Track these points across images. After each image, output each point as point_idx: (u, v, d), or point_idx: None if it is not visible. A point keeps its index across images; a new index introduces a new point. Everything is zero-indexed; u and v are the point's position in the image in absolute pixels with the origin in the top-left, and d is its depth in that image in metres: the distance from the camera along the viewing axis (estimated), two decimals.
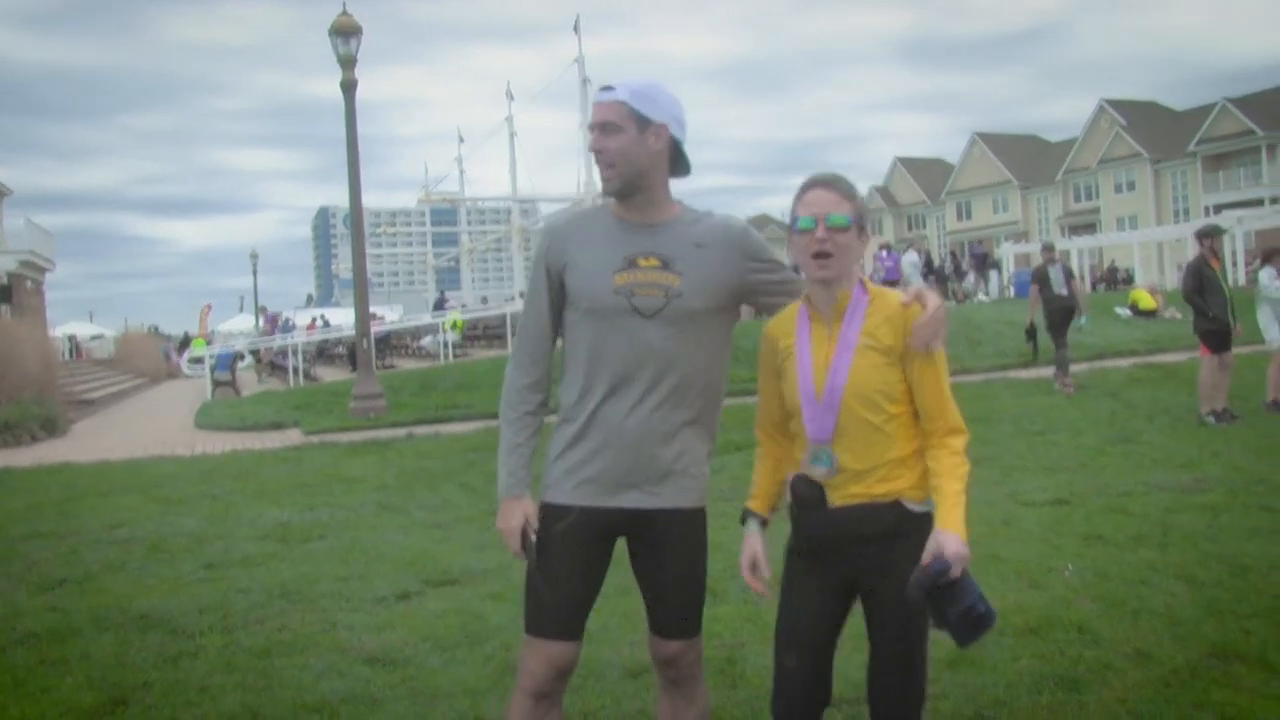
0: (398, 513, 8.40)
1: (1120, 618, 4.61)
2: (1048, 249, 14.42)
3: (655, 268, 2.65)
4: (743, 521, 2.75)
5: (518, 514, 2.70)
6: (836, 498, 2.55)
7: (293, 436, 14.32)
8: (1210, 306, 10.31)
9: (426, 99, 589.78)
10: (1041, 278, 13.75)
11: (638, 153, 2.63)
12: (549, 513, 2.72)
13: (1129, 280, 39.39)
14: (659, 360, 2.64)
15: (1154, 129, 58.98)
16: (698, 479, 2.74)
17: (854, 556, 2.56)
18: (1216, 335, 10.34)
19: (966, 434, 2.56)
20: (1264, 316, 10.55)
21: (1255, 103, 53.79)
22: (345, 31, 15.32)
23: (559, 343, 2.80)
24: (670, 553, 2.72)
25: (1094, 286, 40.56)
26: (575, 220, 2.80)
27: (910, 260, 29.10)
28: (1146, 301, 22.22)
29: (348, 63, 15.42)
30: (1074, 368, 14.11)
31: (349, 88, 15.54)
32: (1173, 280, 43.49)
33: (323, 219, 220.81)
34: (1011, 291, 32.80)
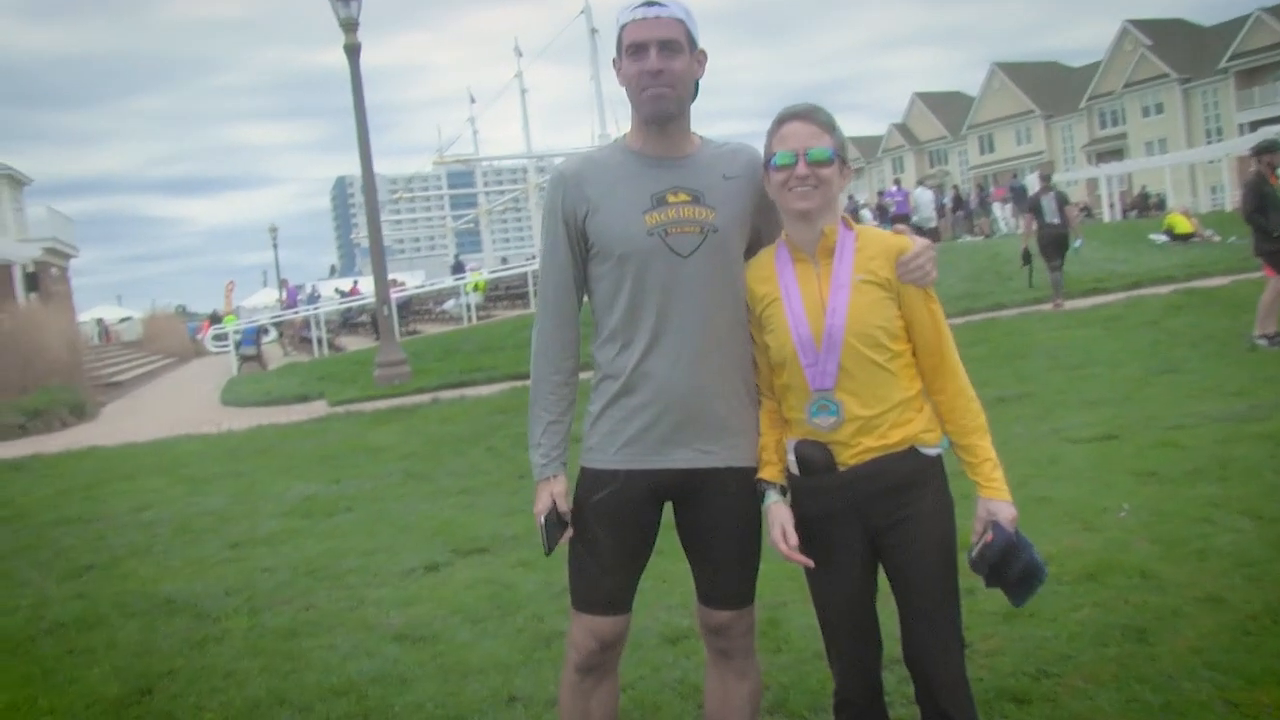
0: (424, 480, 8.25)
1: (1184, 559, 4.36)
2: (1044, 179, 15.65)
3: (687, 203, 2.44)
4: (760, 496, 2.51)
5: (545, 498, 2.50)
6: (848, 456, 2.37)
7: (318, 408, 14.20)
8: (1273, 226, 9.83)
9: (434, 62, 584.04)
10: (1035, 206, 14.91)
11: (690, 76, 2.45)
12: (591, 478, 2.53)
13: (1160, 206, 38.56)
14: (701, 303, 2.43)
15: (1182, 48, 57.30)
16: (749, 434, 2.53)
17: (868, 514, 2.39)
18: None
19: (964, 371, 2.45)
20: None
21: None
22: None
23: (585, 299, 2.59)
24: (725, 516, 2.51)
25: (1124, 214, 39.83)
26: (588, 162, 2.53)
27: (926, 197, 28.60)
28: (1182, 225, 21.57)
29: (349, 26, 15.06)
30: (1111, 298, 14.75)
31: (353, 51, 15.19)
32: (1206, 203, 42.66)
33: (340, 189, 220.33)
34: None
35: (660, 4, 2.39)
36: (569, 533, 2.50)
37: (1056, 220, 14.56)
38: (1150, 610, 3.85)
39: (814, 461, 2.38)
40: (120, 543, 6.90)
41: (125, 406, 18.97)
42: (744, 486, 2.51)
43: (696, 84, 2.50)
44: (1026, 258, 15.46)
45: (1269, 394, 7.61)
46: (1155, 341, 10.92)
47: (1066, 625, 3.81)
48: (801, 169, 2.32)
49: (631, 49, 2.39)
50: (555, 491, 2.49)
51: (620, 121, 32.62)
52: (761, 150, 2.49)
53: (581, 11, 32.54)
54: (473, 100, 46.93)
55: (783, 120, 2.39)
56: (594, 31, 32.20)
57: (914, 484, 2.38)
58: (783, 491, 2.48)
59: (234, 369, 23.13)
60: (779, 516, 2.44)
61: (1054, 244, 14.53)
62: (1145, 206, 41.21)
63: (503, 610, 4.73)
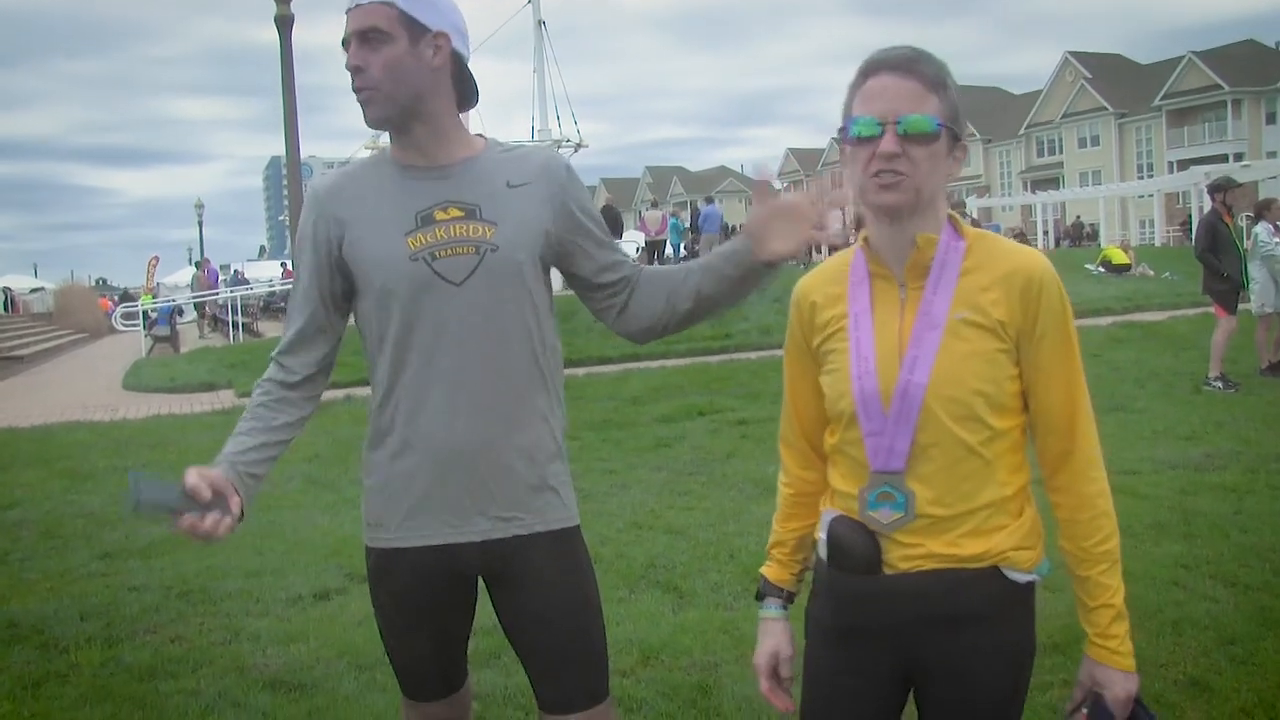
0: (327, 488, 7.60)
1: (1159, 632, 3.93)
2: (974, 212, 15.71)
3: (459, 219, 1.98)
4: (759, 598, 1.93)
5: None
6: (899, 558, 1.66)
7: (224, 398, 13.37)
8: (1225, 265, 9.71)
9: None
10: None
11: (412, 68, 1.95)
12: (379, 561, 2.10)
13: (1094, 236, 39.12)
14: (481, 339, 1.98)
15: (1118, 83, 58.52)
16: (561, 490, 2.07)
17: (909, 644, 1.70)
18: (1231, 295, 9.77)
19: (1103, 466, 1.70)
20: (1260, 276, 9.92)
21: (1221, 56, 53.34)
22: None
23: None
24: (547, 596, 2.03)
25: (1058, 242, 40.38)
26: (345, 178, 2.08)
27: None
28: (1119, 257, 21.68)
29: None
30: None
31: (285, 23, 14.44)
32: (1136, 236, 43.38)
33: (274, 169, 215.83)
34: None
35: None
36: (218, 520, 1.89)
37: None
38: None
39: (852, 554, 1.68)
40: None
41: (20, 384, 17.82)
42: (560, 555, 2.04)
43: (468, 77, 2.06)
44: None
45: (1221, 440, 7.33)
46: (1100, 376, 10.66)
47: (1033, 711, 3.34)
48: (889, 144, 1.57)
49: (343, 46, 1.97)
50: (200, 469, 1.89)
51: (563, 117, 32.02)
52: (558, 155, 2.05)
53: (528, 2, 31.84)
54: None
55: (870, 71, 1.63)
56: (540, 23, 31.53)
57: (984, 616, 1.66)
58: (786, 604, 1.88)
59: (143, 350, 22.02)
60: (773, 640, 1.87)
61: None
62: (1079, 236, 41.88)
63: None
